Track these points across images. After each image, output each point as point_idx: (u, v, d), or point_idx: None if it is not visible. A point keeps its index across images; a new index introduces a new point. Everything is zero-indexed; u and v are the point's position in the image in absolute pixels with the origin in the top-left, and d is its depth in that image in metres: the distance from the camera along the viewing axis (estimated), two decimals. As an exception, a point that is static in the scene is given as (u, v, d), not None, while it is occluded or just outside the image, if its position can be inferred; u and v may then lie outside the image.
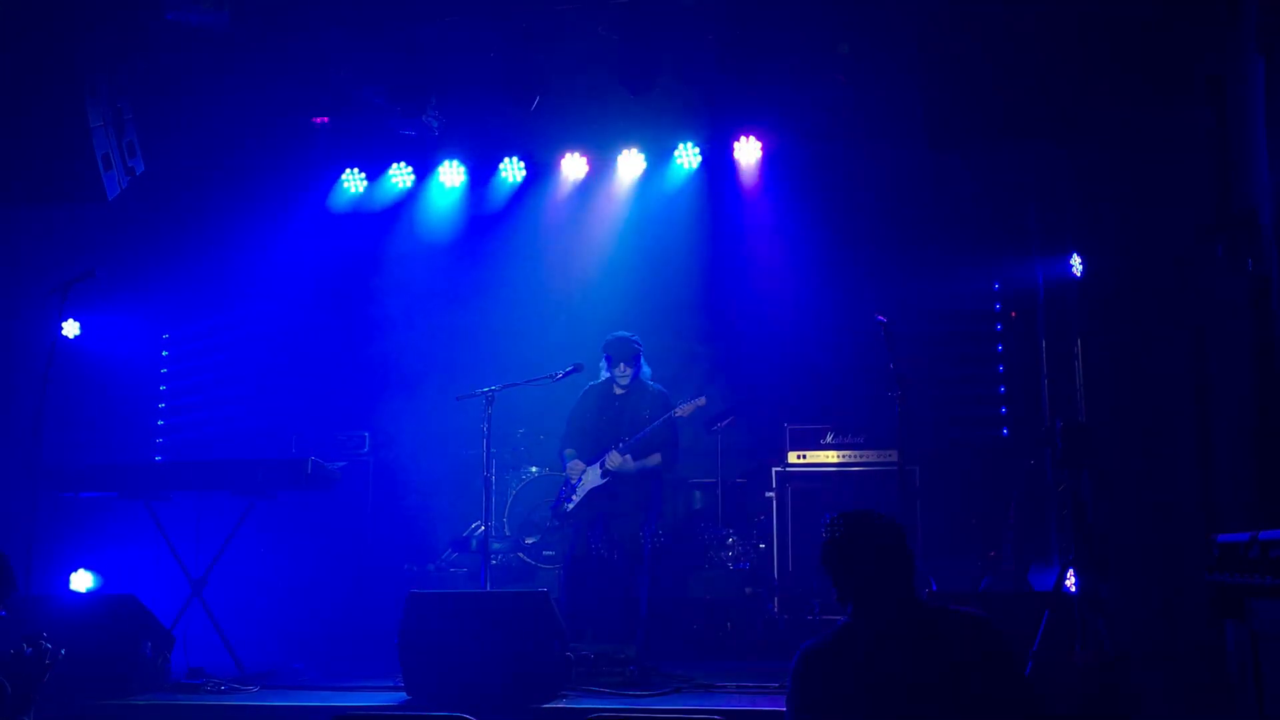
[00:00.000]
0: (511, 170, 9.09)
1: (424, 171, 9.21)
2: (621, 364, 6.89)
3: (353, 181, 9.27)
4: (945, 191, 8.24)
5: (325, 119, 8.10)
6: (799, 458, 7.79)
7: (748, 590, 7.58)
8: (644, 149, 8.87)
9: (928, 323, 8.34)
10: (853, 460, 7.75)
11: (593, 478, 6.89)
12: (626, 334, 6.99)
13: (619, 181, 8.99)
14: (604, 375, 7.05)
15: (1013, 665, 2.86)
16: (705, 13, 7.46)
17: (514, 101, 7.91)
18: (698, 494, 8.23)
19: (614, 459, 6.80)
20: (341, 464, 7.77)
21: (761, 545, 7.82)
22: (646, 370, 7.04)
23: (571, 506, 6.96)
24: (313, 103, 8.10)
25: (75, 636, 4.69)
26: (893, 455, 6.90)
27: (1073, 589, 5.35)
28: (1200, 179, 6.03)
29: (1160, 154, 6.70)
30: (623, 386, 6.96)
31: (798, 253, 8.54)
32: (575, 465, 6.93)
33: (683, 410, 6.80)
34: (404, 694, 5.54)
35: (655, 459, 6.86)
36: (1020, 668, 2.95)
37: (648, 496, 6.94)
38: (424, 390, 8.71)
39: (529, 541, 8.12)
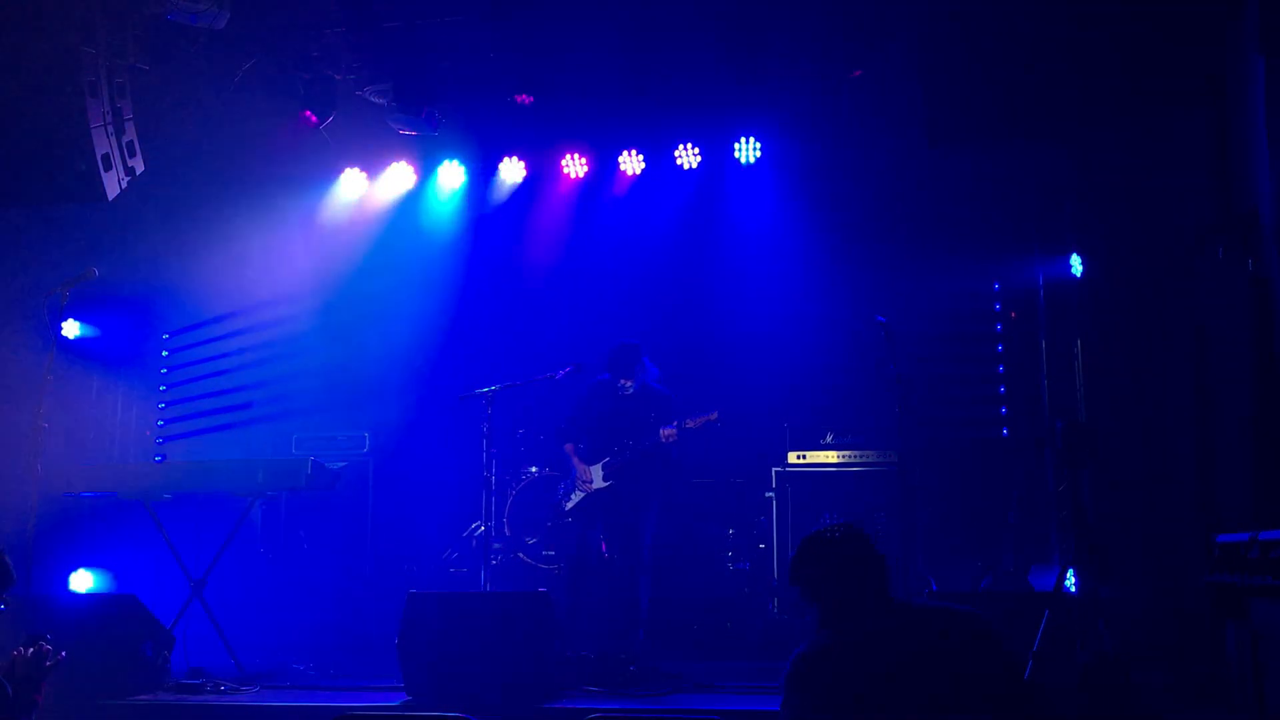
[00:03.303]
0: (511, 170, 9.09)
1: (424, 171, 9.21)
2: (621, 379, 6.84)
3: (353, 181, 9.27)
4: (945, 191, 8.23)
5: (316, 119, 8.05)
6: (799, 458, 7.78)
7: (748, 590, 7.58)
8: (644, 149, 8.87)
9: (928, 323, 8.32)
10: (853, 460, 7.75)
11: (596, 479, 6.88)
12: (626, 343, 6.88)
13: (618, 181, 8.99)
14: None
15: (1010, 664, 2.86)
16: (706, 12, 7.46)
17: (514, 101, 7.90)
18: (698, 494, 8.22)
19: (597, 476, 6.79)
20: (341, 464, 7.77)
21: (761, 545, 7.82)
22: (654, 371, 6.98)
23: (570, 505, 6.95)
24: (313, 103, 8.09)
25: (75, 636, 4.69)
26: (893, 455, 6.89)
27: (1073, 589, 5.35)
28: (1200, 179, 6.03)
29: (1160, 154, 6.70)
30: (628, 390, 6.93)
31: (798, 252, 8.53)
32: (586, 470, 6.87)
33: (693, 424, 6.67)
34: (404, 694, 5.54)
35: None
36: (1017, 666, 2.95)
37: (647, 496, 6.92)
38: (424, 390, 8.71)
39: (529, 541, 8.12)
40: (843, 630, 2.93)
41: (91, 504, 7.40)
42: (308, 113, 7.99)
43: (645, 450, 6.73)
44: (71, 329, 8.38)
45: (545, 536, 8.08)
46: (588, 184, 9.06)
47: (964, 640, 2.81)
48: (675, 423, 6.65)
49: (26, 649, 3.91)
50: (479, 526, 7.70)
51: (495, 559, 7.88)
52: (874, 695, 2.79)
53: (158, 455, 9.24)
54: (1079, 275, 7.46)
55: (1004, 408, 8.42)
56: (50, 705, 4.01)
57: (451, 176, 9.16)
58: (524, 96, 8.04)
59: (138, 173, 7.57)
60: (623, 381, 6.83)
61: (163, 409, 9.43)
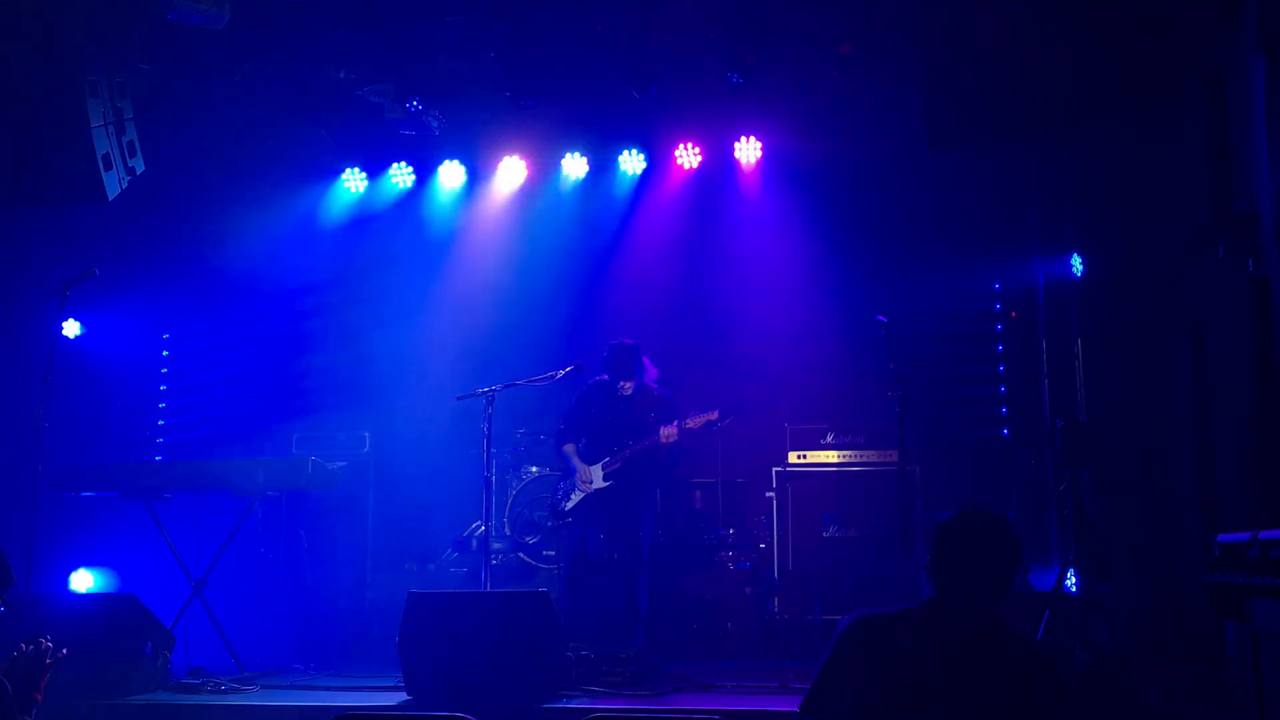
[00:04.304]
0: (511, 169, 9.09)
1: (424, 171, 9.22)
2: (621, 381, 6.83)
3: (353, 181, 9.28)
4: (945, 191, 8.23)
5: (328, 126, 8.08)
6: (799, 458, 7.79)
7: (748, 590, 7.58)
8: (644, 149, 8.88)
9: (928, 323, 8.33)
10: (853, 460, 7.75)
11: (596, 479, 6.88)
12: (624, 343, 6.87)
13: (619, 181, 9.00)
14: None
15: (1062, 710, 2.86)
16: (706, 12, 7.45)
17: (514, 101, 7.90)
18: (698, 494, 8.22)
19: (597, 476, 6.80)
20: (341, 464, 7.78)
21: (761, 545, 7.82)
22: (652, 371, 6.98)
23: (570, 505, 6.95)
24: (313, 102, 8.09)
25: (75, 636, 4.69)
26: (893, 455, 6.89)
27: (1073, 589, 5.36)
28: (1200, 179, 6.03)
29: (1160, 154, 6.70)
30: (627, 390, 6.92)
31: (798, 252, 8.53)
32: (585, 470, 6.87)
33: (693, 423, 6.67)
34: (404, 694, 5.54)
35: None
36: (1070, 714, 2.98)
37: (647, 496, 6.92)
38: (424, 390, 8.71)
39: (529, 541, 8.12)
40: (918, 612, 2.99)
41: (91, 504, 7.40)
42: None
43: (645, 450, 6.73)
44: (71, 329, 8.38)
45: (545, 536, 8.08)
46: (588, 183, 9.06)
47: (1026, 679, 2.81)
48: (675, 422, 6.65)
49: (26, 647, 3.91)
50: (479, 526, 7.70)
51: (495, 559, 7.88)
52: (909, 687, 2.82)
53: (158, 455, 9.25)
54: (1079, 275, 7.46)
55: (1004, 408, 8.43)
56: (50, 705, 4.01)
57: (451, 176, 9.16)
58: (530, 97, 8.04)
59: (138, 172, 7.57)
60: (622, 382, 6.83)
61: (163, 409, 9.44)
